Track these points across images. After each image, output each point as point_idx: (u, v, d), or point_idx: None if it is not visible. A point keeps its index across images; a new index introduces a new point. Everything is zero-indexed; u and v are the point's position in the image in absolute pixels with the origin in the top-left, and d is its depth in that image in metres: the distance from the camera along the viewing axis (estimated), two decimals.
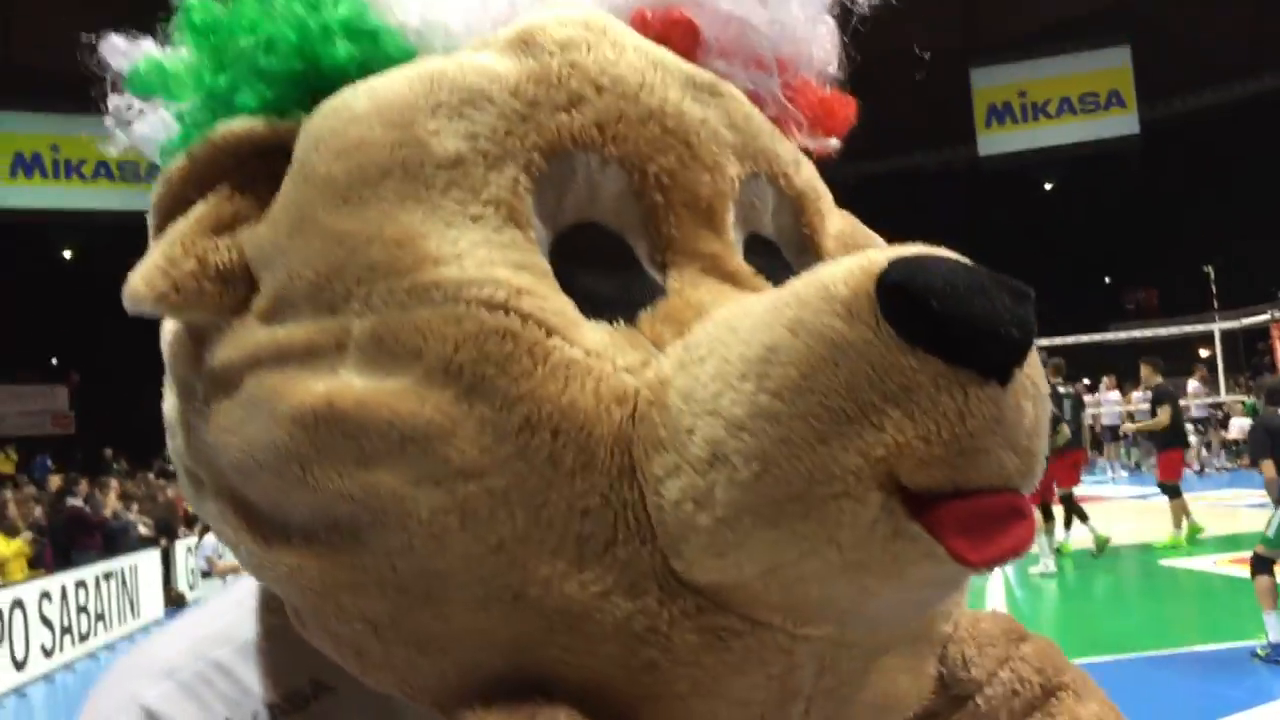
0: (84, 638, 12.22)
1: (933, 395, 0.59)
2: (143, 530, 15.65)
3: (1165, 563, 12.30)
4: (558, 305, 0.69)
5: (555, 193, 0.74)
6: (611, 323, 0.71)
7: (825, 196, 0.90)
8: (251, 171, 0.79)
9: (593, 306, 0.71)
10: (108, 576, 13.02)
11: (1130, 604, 11.21)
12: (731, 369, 0.62)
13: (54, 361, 31.39)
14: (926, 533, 0.59)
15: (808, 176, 0.88)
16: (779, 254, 0.85)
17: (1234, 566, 10.89)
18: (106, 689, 0.84)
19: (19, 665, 10.71)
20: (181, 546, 16.12)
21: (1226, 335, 24.98)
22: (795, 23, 0.89)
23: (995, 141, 34.68)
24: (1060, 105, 33.59)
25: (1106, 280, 37.70)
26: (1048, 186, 36.23)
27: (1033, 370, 0.63)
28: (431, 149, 0.73)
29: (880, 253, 0.62)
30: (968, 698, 0.81)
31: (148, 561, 14.76)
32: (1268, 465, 8.59)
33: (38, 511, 14.45)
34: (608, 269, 0.75)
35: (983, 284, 0.60)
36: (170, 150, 0.82)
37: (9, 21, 25.58)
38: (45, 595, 11.39)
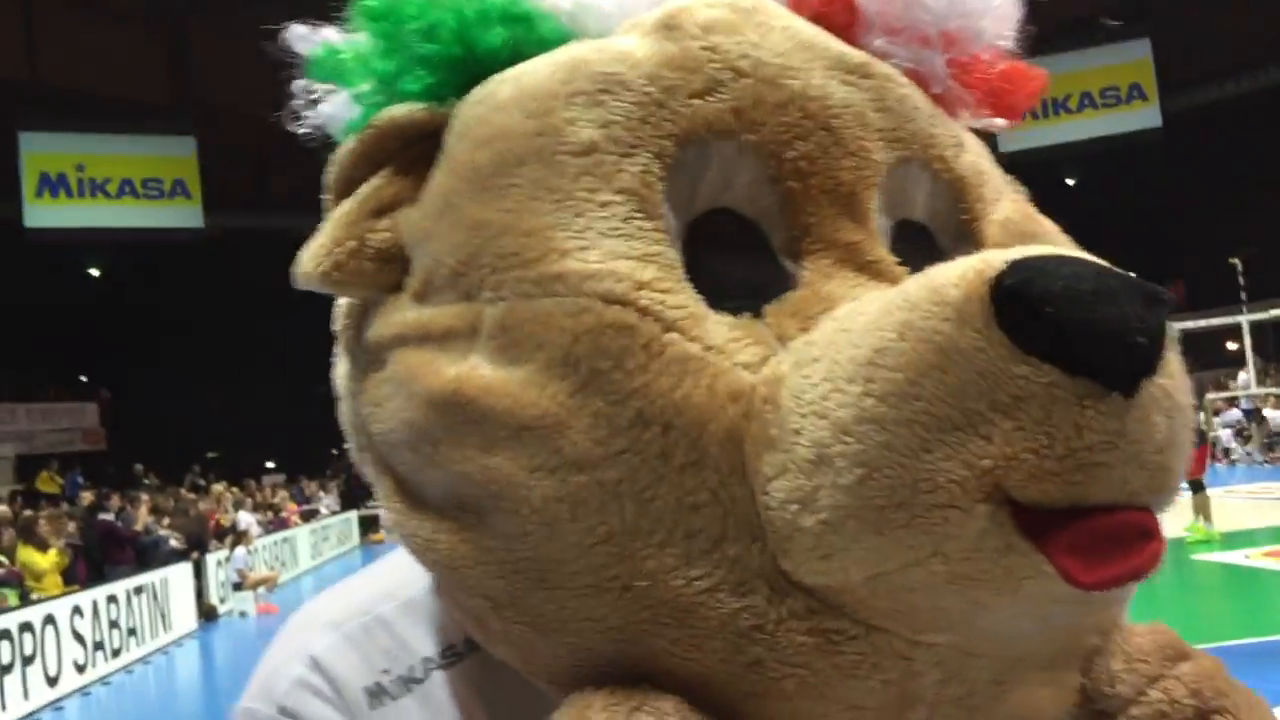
0: (116, 653, 12.26)
1: (1046, 406, 0.57)
2: (174, 544, 15.72)
3: (1197, 557, 12.19)
4: (679, 299, 0.69)
5: (689, 180, 0.74)
6: (737, 314, 0.71)
7: (991, 180, 0.87)
8: (414, 154, 0.81)
9: (721, 295, 0.71)
10: (139, 591, 13.07)
11: (1163, 599, 11.11)
12: (840, 370, 0.62)
13: (83, 379, 31.64)
14: (1036, 550, 0.58)
15: (970, 160, 0.85)
16: (933, 240, 0.83)
17: (1268, 560, 10.79)
18: (282, 640, 0.89)
19: (51, 681, 10.77)
20: (212, 560, 16.18)
21: (1255, 327, 24.75)
22: None
23: (1015, 139, 34.57)
24: (1081, 100, 33.38)
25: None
26: (1070, 182, 36.05)
27: (1169, 380, 0.60)
28: (566, 137, 0.74)
29: (1000, 253, 0.60)
30: (1112, 715, 0.76)
31: (179, 575, 14.82)
32: None
33: (70, 527, 14.53)
34: (739, 257, 0.75)
35: (1110, 288, 0.57)
36: (353, 128, 0.85)
37: (34, 42, 25.80)
38: (77, 610, 11.43)
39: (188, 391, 30.41)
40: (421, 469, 0.76)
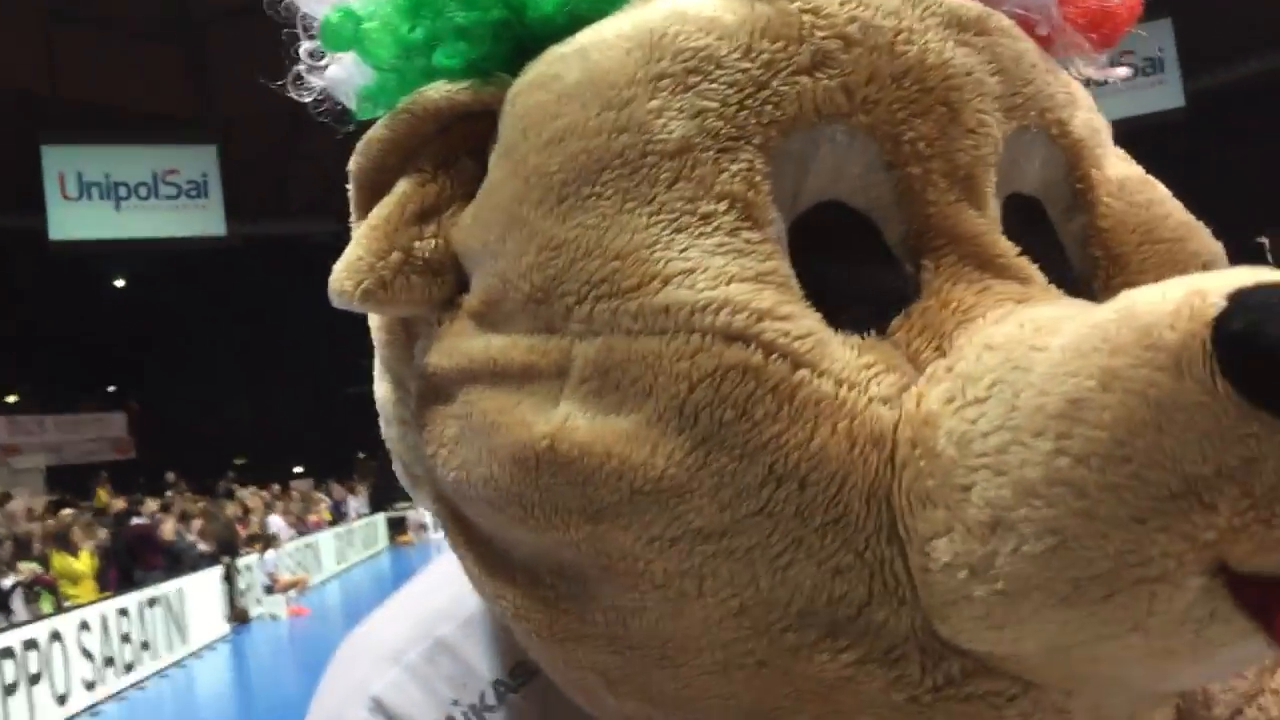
0: (129, 668, 12.07)
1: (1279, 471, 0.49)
2: (202, 549, 15.81)
3: None
4: (803, 327, 0.60)
5: (795, 173, 0.65)
6: (861, 334, 0.62)
7: (1103, 139, 0.78)
8: (454, 140, 0.73)
9: (837, 306, 0.63)
10: (152, 603, 12.86)
11: None
12: (1022, 419, 0.53)
13: (111, 389, 31.82)
14: (1254, 621, 0.51)
15: (1084, 118, 0.76)
16: (1041, 213, 0.75)
17: None
18: (335, 678, 0.82)
19: (89, 686, 10.84)
20: (243, 564, 16.26)
21: None
22: None
23: None
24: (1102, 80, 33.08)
25: None
26: None
27: None
28: (655, 135, 0.64)
29: (1214, 284, 0.51)
30: None
31: (206, 581, 14.84)
32: None
33: (102, 534, 14.63)
34: (853, 257, 0.67)
35: None
36: (368, 96, 0.76)
37: (53, 56, 25.94)
38: (84, 626, 11.29)
39: (215, 399, 30.53)
40: (508, 528, 0.67)
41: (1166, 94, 32.99)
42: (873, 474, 0.58)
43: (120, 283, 31.02)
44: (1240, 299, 0.50)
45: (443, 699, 0.79)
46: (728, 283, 0.60)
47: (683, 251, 0.61)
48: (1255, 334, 0.49)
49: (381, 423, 0.80)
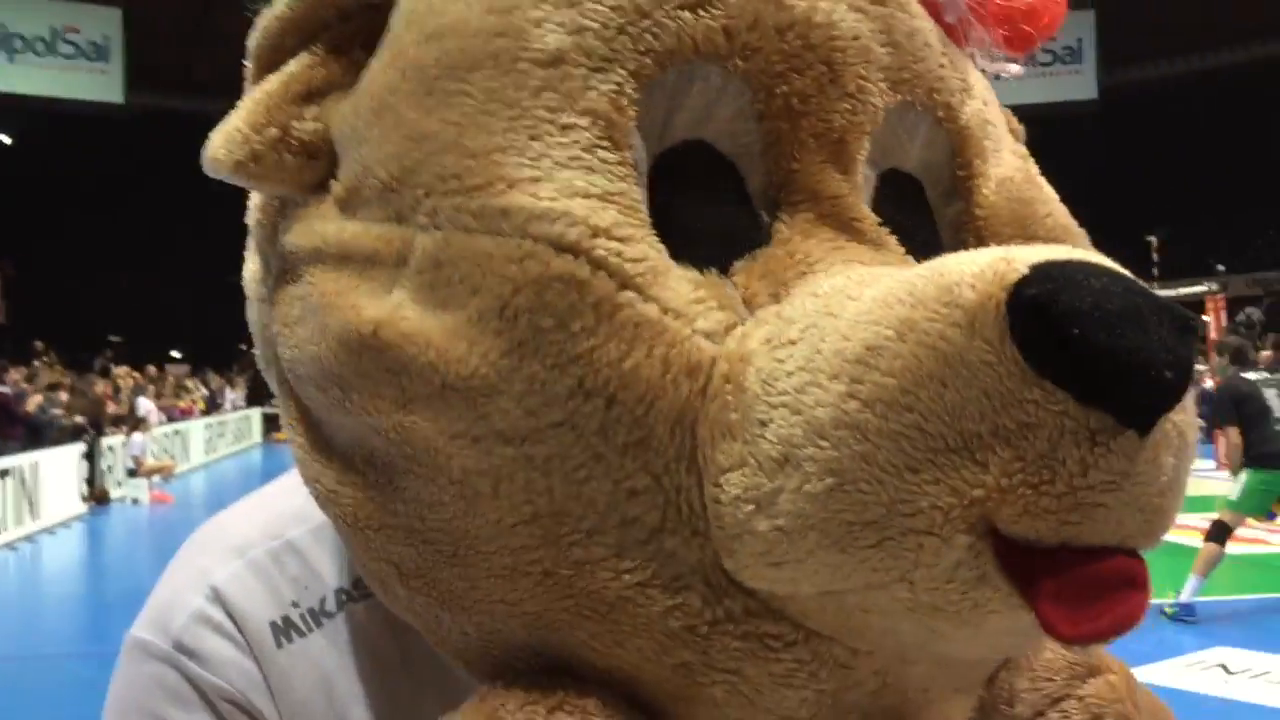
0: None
1: (1054, 438, 0.50)
2: (64, 424, 15.40)
3: None
4: (639, 250, 0.60)
5: (665, 105, 0.65)
6: (702, 270, 0.62)
7: (995, 132, 0.78)
8: (352, 29, 0.72)
9: (685, 241, 0.63)
10: (2, 475, 12.43)
11: None
12: (823, 362, 0.54)
13: None
14: (1016, 592, 0.52)
15: (976, 108, 0.76)
16: (920, 194, 0.75)
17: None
18: (181, 562, 0.82)
19: None
20: (108, 444, 15.91)
21: None
22: None
23: None
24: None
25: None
26: None
27: (1182, 416, 0.54)
28: (531, 41, 0.63)
29: (1022, 253, 0.53)
30: None
31: (64, 457, 14.50)
32: (1232, 432, 8.06)
33: None
34: (710, 198, 0.67)
35: (1138, 310, 0.51)
36: None
37: None
38: None
39: (95, 272, 29.64)
40: (329, 411, 0.67)
41: (1081, 84, 33.67)
42: (681, 401, 0.58)
43: (5, 139, 29.75)
44: (1043, 269, 0.51)
45: (283, 599, 0.79)
46: (570, 196, 0.60)
47: (534, 160, 0.61)
48: (1049, 303, 0.50)
49: (246, 304, 0.80)
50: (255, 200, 0.78)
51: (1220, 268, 29.71)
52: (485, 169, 0.62)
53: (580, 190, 0.61)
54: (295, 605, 0.79)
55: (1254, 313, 15.94)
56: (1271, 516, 9.07)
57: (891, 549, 0.53)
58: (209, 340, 28.53)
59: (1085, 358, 0.49)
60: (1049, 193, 0.79)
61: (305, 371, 0.68)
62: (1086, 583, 0.52)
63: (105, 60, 26.35)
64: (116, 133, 27.61)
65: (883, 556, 0.53)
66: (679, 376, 0.58)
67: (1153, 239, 26.25)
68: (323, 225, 0.69)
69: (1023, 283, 0.51)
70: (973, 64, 0.79)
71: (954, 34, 0.77)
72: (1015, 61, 0.82)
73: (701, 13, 0.64)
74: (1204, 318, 20.98)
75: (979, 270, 0.52)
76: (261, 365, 0.80)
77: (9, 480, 12.44)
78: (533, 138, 0.62)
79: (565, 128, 0.62)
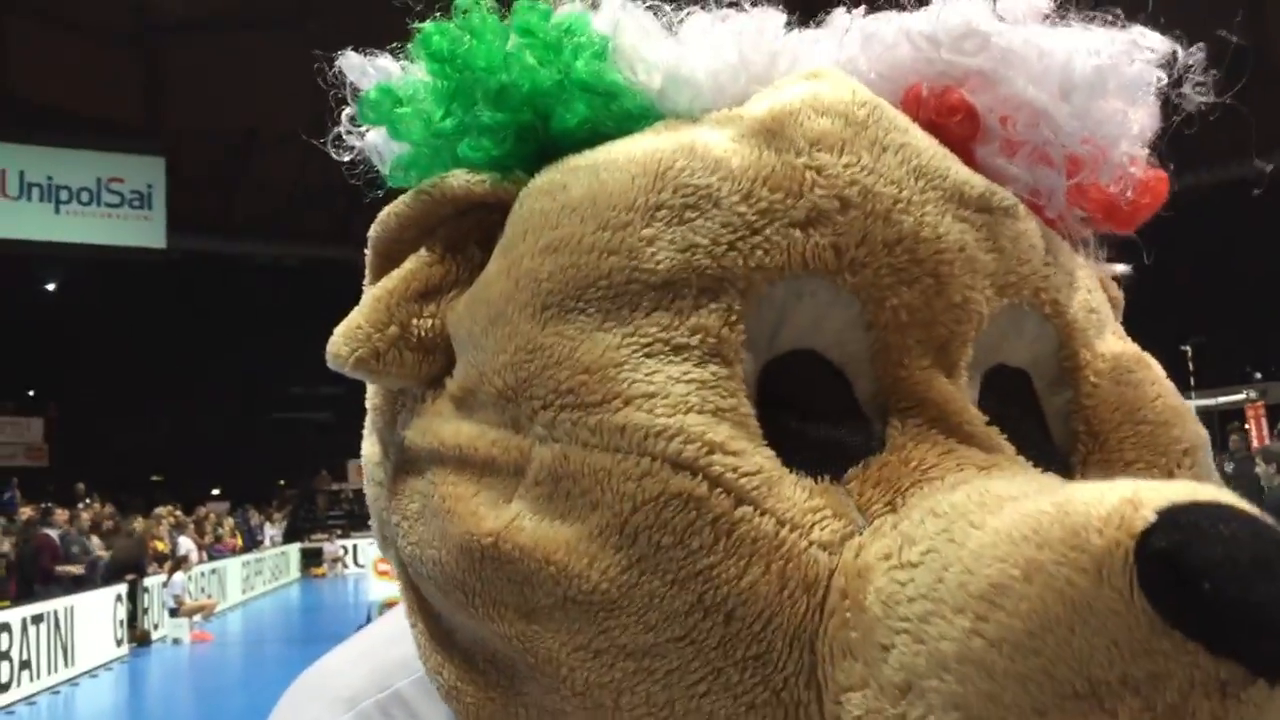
0: (4, 688, 11.30)
1: (1184, 689, 0.49)
2: (105, 564, 15.39)
3: None
4: (753, 463, 0.61)
5: (773, 318, 0.67)
6: (816, 478, 0.63)
7: (1098, 319, 0.78)
8: (467, 226, 0.75)
9: (797, 449, 0.64)
10: (36, 620, 12.13)
11: None
12: (946, 593, 0.54)
13: (30, 394, 31.15)
14: None
15: (1082, 299, 0.77)
16: (1024, 385, 0.76)
17: None
18: (290, 711, 0.83)
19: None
20: (149, 583, 15.86)
21: (1203, 414, 25.07)
22: (1104, 118, 0.76)
23: None
24: None
25: None
26: None
27: None
28: (642, 263, 0.66)
29: (1149, 494, 0.52)
30: None
31: (100, 600, 14.28)
32: None
33: (6, 545, 14.24)
34: (820, 406, 0.68)
35: (1269, 559, 0.49)
36: (401, 165, 0.79)
37: (5, 53, 25.64)
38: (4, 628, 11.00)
39: (137, 414, 30.00)
40: (451, 611, 0.69)
41: None
42: (800, 617, 0.59)
43: (52, 286, 30.48)
44: (1171, 516, 0.50)
45: None
46: (685, 412, 0.62)
47: (649, 375, 0.63)
48: (1177, 555, 0.49)
49: (364, 480, 0.82)
50: (373, 385, 0.80)
51: (1258, 375, 29.43)
52: (600, 385, 0.64)
53: (694, 406, 0.62)
54: None
55: None
56: None
57: None
58: (248, 476, 28.72)
59: (1217, 611, 0.48)
60: (1156, 371, 0.79)
61: (426, 571, 0.69)
62: None
63: (148, 207, 27.05)
64: (158, 276, 28.21)
65: None
66: (796, 592, 0.59)
67: (1188, 348, 26.06)
68: (440, 425, 0.71)
69: (1150, 532, 0.50)
70: (1077, 252, 0.80)
71: (1054, 226, 0.78)
72: (1125, 235, 0.83)
73: (811, 231, 0.66)
74: (1245, 426, 20.70)
75: (1106, 514, 0.51)
76: (379, 544, 0.81)
77: (42, 625, 12.27)
78: (646, 355, 0.64)
79: (677, 347, 0.64)
